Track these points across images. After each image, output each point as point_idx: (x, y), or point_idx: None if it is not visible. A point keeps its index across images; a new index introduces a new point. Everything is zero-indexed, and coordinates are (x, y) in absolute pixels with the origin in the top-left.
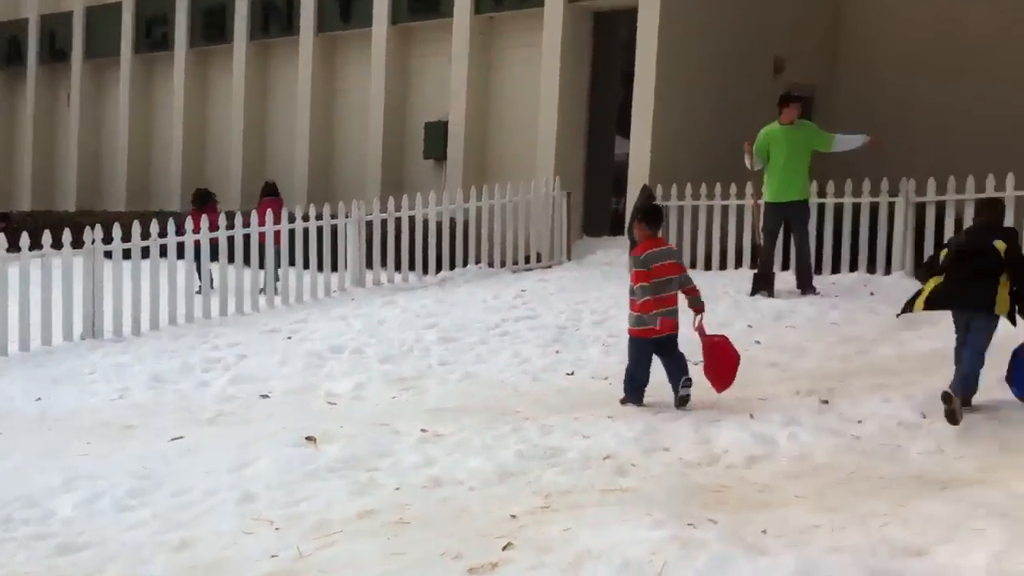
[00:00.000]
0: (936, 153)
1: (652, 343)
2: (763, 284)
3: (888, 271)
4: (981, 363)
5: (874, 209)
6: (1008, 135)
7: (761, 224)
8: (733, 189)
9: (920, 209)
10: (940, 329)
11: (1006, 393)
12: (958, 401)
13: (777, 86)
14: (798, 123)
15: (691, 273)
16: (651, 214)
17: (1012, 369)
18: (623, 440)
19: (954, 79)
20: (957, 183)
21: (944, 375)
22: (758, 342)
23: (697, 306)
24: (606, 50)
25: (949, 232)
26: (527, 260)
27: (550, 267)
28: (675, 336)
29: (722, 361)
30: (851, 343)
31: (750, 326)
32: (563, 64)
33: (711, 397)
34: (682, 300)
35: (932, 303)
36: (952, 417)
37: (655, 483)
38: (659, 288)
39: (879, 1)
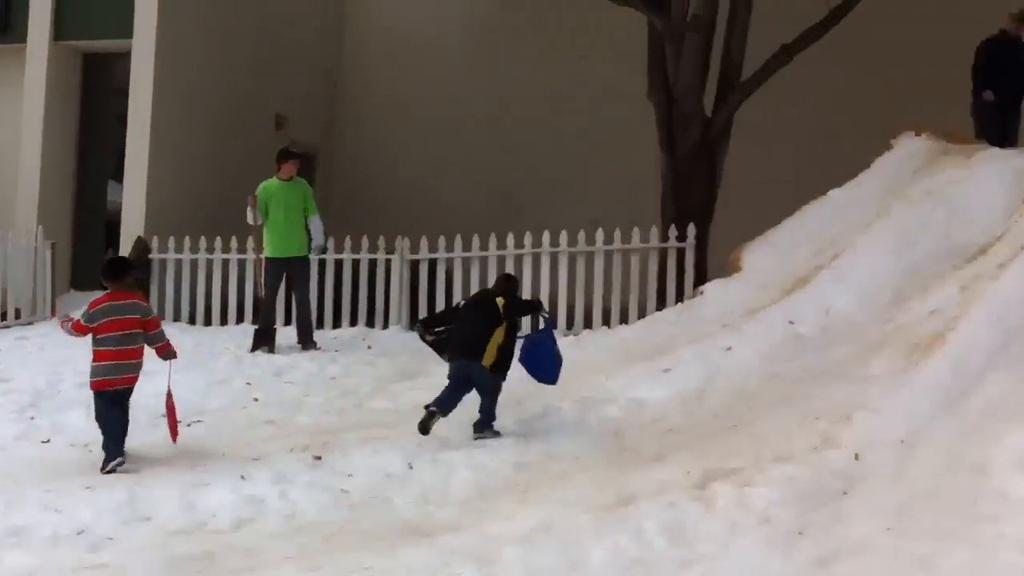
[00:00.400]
0: (431, 211)
1: (112, 395)
2: (264, 340)
3: (386, 325)
4: (492, 417)
5: (373, 265)
6: (487, 192)
7: (263, 279)
8: (234, 243)
9: (415, 266)
10: (432, 381)
11: (475, 442)
12: (490, 431)
13: (279, 141)
14: (296, 180)
15: (189, 329)
16: (112, 266)
17: (526, 357)
18: (101, 512)
19: (444, 141)
20: (447, 242)
21: (434, 425)
22: (256, 399)
23: (168, 358)
24: (99, 93)
25: (441, 287)
26: (4, 316)
27: (31, 323)
28: (130, 391)
29: (171, 415)
30: (348, 397)
31: (249, 383)
32: (48, 105)
33: (201, 458)
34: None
35: (443, 346)
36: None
37: (133, 557)
38: (119, 341)
39: (374, 68)
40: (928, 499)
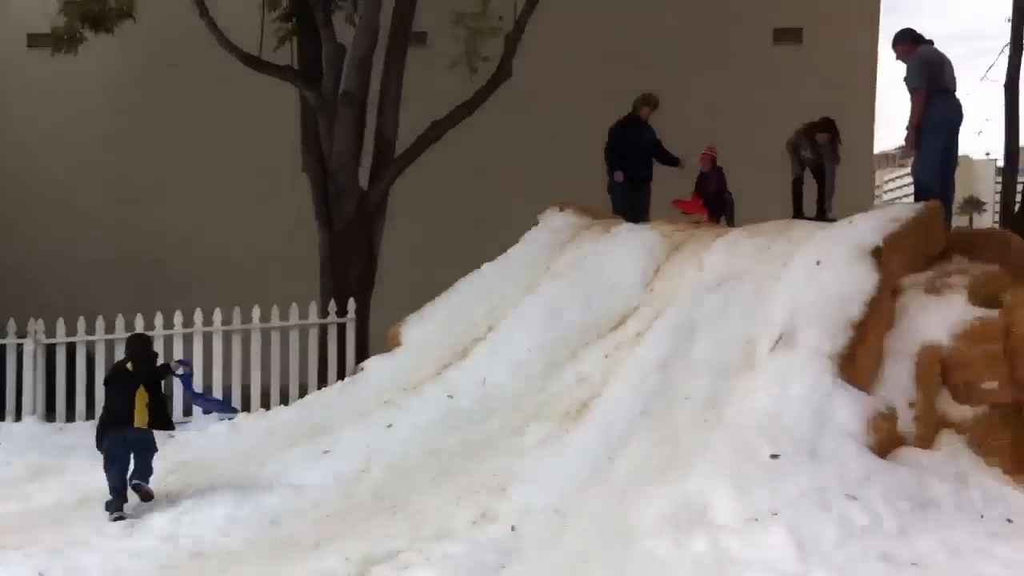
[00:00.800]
0: (70, 291)
1: None
2: None
3: (19, 417)
4: (150, 472)
5: (2, 351)
6: (135, 270)
7: None
8: None
9: (51, 350)
10: (65, 479)
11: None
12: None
13: None
14: None
15: None
16: None
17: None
18: None
19: (85, 215)
20: (88, 323)
21: (72, 526)
22: None
23: None
24: None
25: (82, 373)
26: None
27: None
28: None
29: None
30: None
31: None
32: None
33: None
34: None
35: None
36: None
37: None
38: None
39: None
40: (582, 565)
